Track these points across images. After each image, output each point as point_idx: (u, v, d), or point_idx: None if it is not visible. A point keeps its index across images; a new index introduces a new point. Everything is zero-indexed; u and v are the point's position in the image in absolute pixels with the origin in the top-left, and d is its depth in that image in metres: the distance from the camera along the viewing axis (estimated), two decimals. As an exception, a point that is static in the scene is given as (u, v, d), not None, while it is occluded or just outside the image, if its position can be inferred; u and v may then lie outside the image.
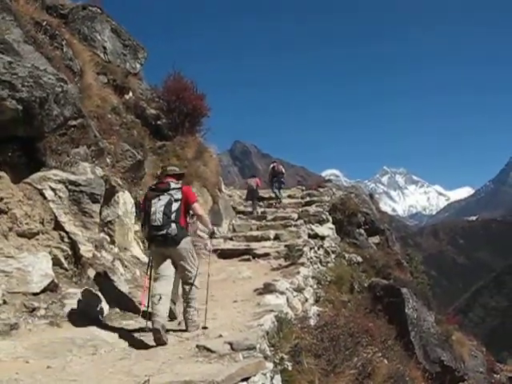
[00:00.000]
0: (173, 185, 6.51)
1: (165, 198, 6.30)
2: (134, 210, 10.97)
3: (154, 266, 6.52)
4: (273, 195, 20.62)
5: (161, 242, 6.24)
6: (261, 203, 19.21)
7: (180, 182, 6.84)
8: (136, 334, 6.24)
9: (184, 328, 6.56)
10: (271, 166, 22.36)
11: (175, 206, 6.29)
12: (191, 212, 6.73)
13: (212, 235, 7.31)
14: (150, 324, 6.03)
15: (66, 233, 7.27)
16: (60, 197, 7.41)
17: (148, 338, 5.99)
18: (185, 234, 6.42)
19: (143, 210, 6.58)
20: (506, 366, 18.92)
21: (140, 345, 5.87)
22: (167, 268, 6.39)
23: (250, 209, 18.67)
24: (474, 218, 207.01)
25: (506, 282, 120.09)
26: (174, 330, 6.52)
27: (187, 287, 6.57)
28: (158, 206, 6.25)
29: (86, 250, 7.48)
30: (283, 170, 21.65)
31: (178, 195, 6.38)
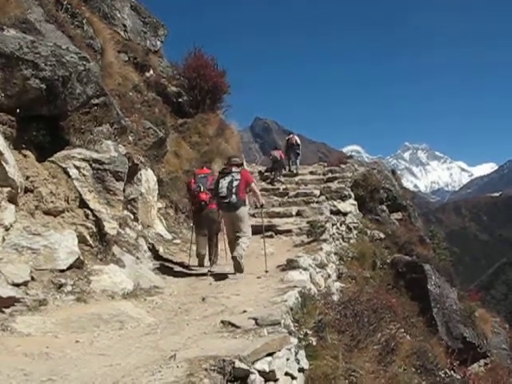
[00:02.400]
0: (234, 169, 8.97)
1: (228, 178, 8.79)
2: (156, 187, 11.03)
3: (226, 228, 9.23)
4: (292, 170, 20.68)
5: (225, 207, 8.76)
6: (282, 179, 19.18)
7: (240, 167, 9.26)
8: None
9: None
10: (286, 138, 22.53)
11: (235, 183, 8.72)
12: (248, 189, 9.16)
13: (262, 207, 9.84)
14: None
15: (91, 210, 7.35)
16: (84, 175, 7.48)
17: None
18: (242, 203, 8.84)
19: (213, 187, 9.12)
20: (530, 343, 18.73)
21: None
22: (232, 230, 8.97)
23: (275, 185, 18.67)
24: (497, 194, 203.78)
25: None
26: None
27: (240, 237, 8.80)
28: (223, 183, 8.75)
29: (110, 227, 7.56)
30: (298, 141, 21.77)
31: (238, 177, 8.82)
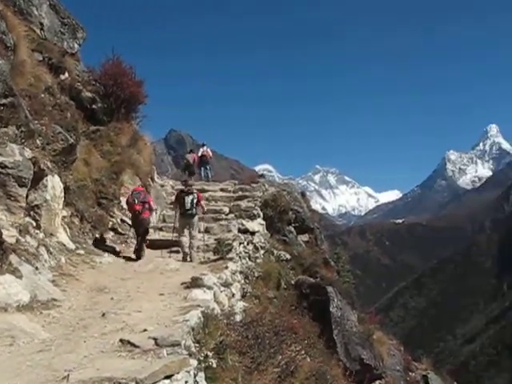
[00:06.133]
0: (194, 191, 12.86)
1: (191, 196, 12.45)
2: (62, 194, 10.63)
3: (180, 228, 12.57)
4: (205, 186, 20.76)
5: (188, 216, 12.38)
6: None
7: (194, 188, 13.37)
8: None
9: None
10: (201, 150, 23.80)
11: (194, 200, 12.40)
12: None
13: (205, 213, 14.33)
14: None
15: (-11, 216, 6.98)
16: (-16, 178, 7.11)
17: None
18: (197, 213, 12.62)
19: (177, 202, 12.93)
20: (421, 364, 19.54)
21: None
22: (187, 231, 12.49)
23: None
24: (400, 220, 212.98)
25: (425, 283, 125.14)
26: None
27: (192, 240, 12.38)
28: (188, 199, 12.36)
29: (9, 235, 7.23)
30: (211, 154, 24.30)
31: (195, 195, 12.55)
